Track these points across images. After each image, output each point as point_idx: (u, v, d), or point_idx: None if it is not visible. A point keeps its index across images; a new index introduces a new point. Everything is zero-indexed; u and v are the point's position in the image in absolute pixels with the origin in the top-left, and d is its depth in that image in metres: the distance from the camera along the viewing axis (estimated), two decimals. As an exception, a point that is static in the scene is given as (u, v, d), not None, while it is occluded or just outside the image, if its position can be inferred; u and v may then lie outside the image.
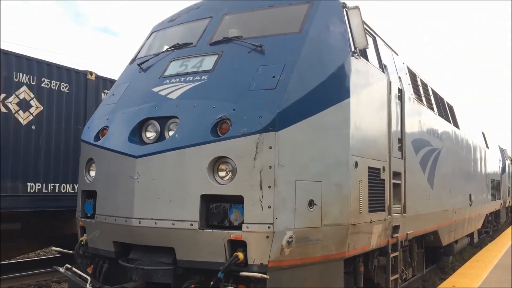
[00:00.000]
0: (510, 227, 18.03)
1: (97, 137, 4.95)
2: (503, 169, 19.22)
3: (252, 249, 3.87)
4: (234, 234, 3.91)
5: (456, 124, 10.44)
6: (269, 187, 3.91)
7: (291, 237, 4.00)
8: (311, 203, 4.23)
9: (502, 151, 20.40)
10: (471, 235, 12.14)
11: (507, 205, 20.23)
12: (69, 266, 4.69)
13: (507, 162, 21.21)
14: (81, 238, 4.93)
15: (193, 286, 3.98)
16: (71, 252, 5.01)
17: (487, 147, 14.99)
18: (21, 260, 11.40)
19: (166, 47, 5.65)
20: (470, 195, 11.15)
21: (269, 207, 3.89)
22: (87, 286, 4.24)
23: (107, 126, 4.92)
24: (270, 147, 3.97)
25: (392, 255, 5.91)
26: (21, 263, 10.63)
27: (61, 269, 4.71)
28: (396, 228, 5.97)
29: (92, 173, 4.90)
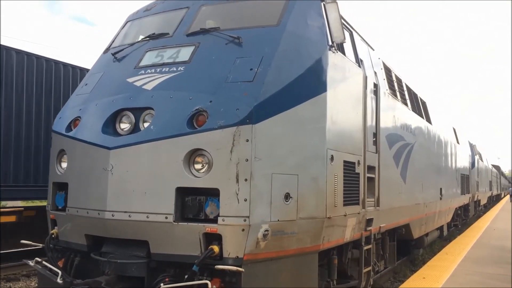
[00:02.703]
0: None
1: (69, 128, 4.82)
2: (473, 164, 19.81)
3: (227, 242, 3.86)
4: (210, 227, 3.89)
5: (428, 120, 10.66)
6: (246, 180, 3.90)
7: (266, 230, 4.00)
8: (287, 196, 4.24)
9: (472, 146, 21.01)
10: (441, 228, 12.47)
11: (475, 199, 20.89)
12: (39, 259, 4.57)
13: (476, 157, 21.87)
14: (52, 231, 4.81)
15: (167, 279, 3.94)
16: (40, 245, 4.88)
17: (458, 142, 15.40)
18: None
19: (141, 37, 5.53)
20: (441, 189, 11.44)
21: (245, 200, 3.88)
22: (58, 280, 4.14)
23: (79, 117, 4.80)
24: (247, 140, 3.95)
25: (365, 247, 6.00)
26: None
27: (31, 263, 4.58)
28: (369, 221, 6.07)
29: (64, 165, 4.77)
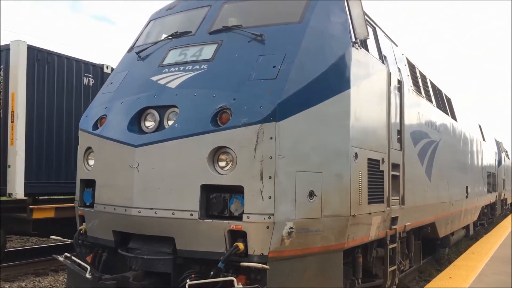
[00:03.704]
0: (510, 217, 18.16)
1: (95, 126, 4.90)
2: (499, 161, 19.32)
3: (252, 239, 3.86)
4: (235, 225, 3.90)
5: (453, 117, 10.46)
6: (270, 177, 3.89)
7: (291, 228, 3.99)
8: (311, 194, 4.22)
9: (498, 144, 20.48)
10: (466, 227, 12.21)
11: (502, 197, 20.37)
12: (68, 254, 4.67)
13: (503, 155, 21.32)
14: (80, 227, 4.91)
15: (193, 275, 3.97)
16: (69, 241, 4.99)
17: (484, 139, 15.05)
18: (19, 248, 11.40)
19: (164, 35, 5.58)
20: (467, 187, 11.20)
21: (270, 197, 3.88)
22: (87, 275, 4.22)
23: (105, 115, 4.88)
24: (271, 138, 3.94)
25: (390, 246, 5.93)
26: (19, 252, 10.62)
27: (60, 258, 4.69)
28: (394, 220, 5.99)
29: (91, 162, 4.86)
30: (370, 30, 5.69)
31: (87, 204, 4.85)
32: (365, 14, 5.30)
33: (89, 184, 4.88)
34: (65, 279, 8.18)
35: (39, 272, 8.86)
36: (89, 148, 4.90)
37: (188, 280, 3.83)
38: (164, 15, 6.02)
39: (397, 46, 7.07)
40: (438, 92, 9.47)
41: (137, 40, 5.95)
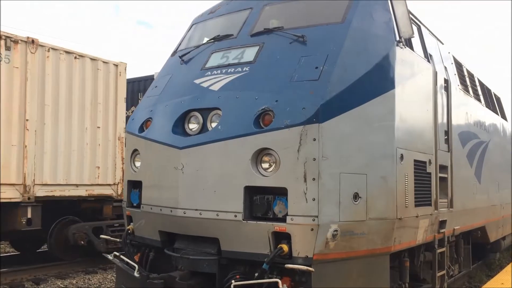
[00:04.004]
0: None
1: (141, 129, 5.04)
2: (554, 163, 18.23)
3: (296, 241, 3.84)
4: (279, 226, 3.89)
5: (504, 116, 10.00)
6: (313, 179, 3.86)
7: (336, 230, 3.94)
8: (356, 196, 4.14)
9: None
10: (519, 232, 11.61)
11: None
12: (117, 253, 4.82)
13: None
14: (128, 227, 5.06)
15: (238, 276, 4.00)
16: (118, 240, 5.15)
17: (537, 140, 14.26)
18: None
19: (206, 39, 5.66)
20: (519, 190, 10.66)
21: (314, 199, 3.85)
22: (135, 273, 4.35)
23: (150, 118, 5.01)
24: (314, 139, 3.91)
25: (439, 250, 5.73)
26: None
27: (110, 257, 4.85)
28: (442, 223, 5.79)
29: (137, 164, 5.00)
30: (414, 28, 5.54)
31: (134, 204, 4.99)
32: (409, 12, 5.16)
33: (136, 185, 5.03)
34: (113, 277, 8.47)
35: (89, 270, 9.19)
36: (135, 150, 5.04)
37: (233, 281, 3.86)
38: (206, 19, 6.11)
39: (443, 44, 6.85)
40: (486, 91, 9.08)
41: (180, 44, 6.08)
